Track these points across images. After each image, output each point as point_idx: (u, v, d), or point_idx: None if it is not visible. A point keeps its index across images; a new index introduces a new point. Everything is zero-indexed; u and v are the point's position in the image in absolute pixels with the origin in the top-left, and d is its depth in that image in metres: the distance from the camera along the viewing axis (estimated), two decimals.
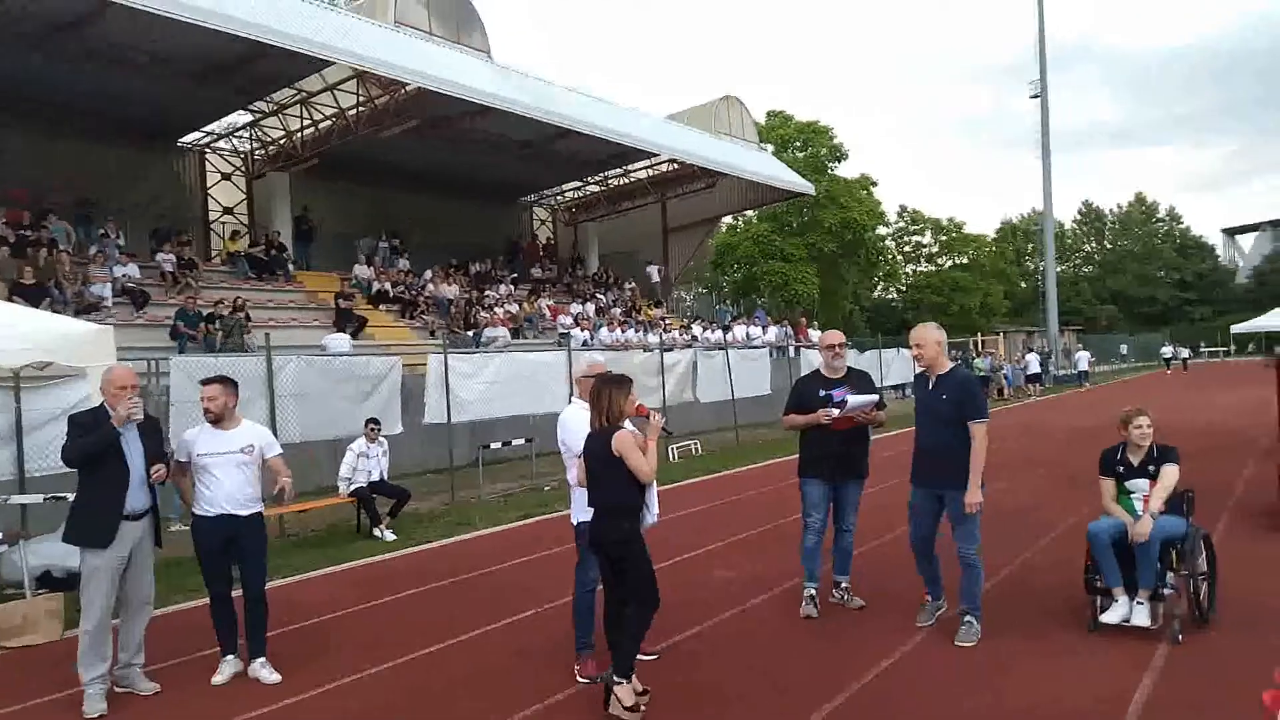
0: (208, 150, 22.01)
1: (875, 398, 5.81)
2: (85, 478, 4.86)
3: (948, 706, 4.34)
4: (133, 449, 4.89)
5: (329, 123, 19.57)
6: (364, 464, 9.81)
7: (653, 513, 4.64)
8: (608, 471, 4.45)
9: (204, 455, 5.12)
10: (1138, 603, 5.16)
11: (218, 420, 5.19)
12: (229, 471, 5.12)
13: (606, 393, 4.52)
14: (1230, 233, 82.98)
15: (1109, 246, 77.98)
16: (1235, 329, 54.03)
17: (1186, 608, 5.22)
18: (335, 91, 18.65)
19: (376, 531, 9.42)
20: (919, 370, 5.55)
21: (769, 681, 4.77)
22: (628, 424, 4.53)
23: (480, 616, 6.26)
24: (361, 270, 20.52)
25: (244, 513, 5.16)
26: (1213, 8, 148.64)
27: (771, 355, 21.85)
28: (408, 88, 17.45)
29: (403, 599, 6.96)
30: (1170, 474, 5.35)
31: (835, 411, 5.69)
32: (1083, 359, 37.56)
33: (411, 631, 5.97)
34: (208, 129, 21.08)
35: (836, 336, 6.19)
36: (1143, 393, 29.73)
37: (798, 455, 6.13)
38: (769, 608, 6.20)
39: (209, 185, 22.17)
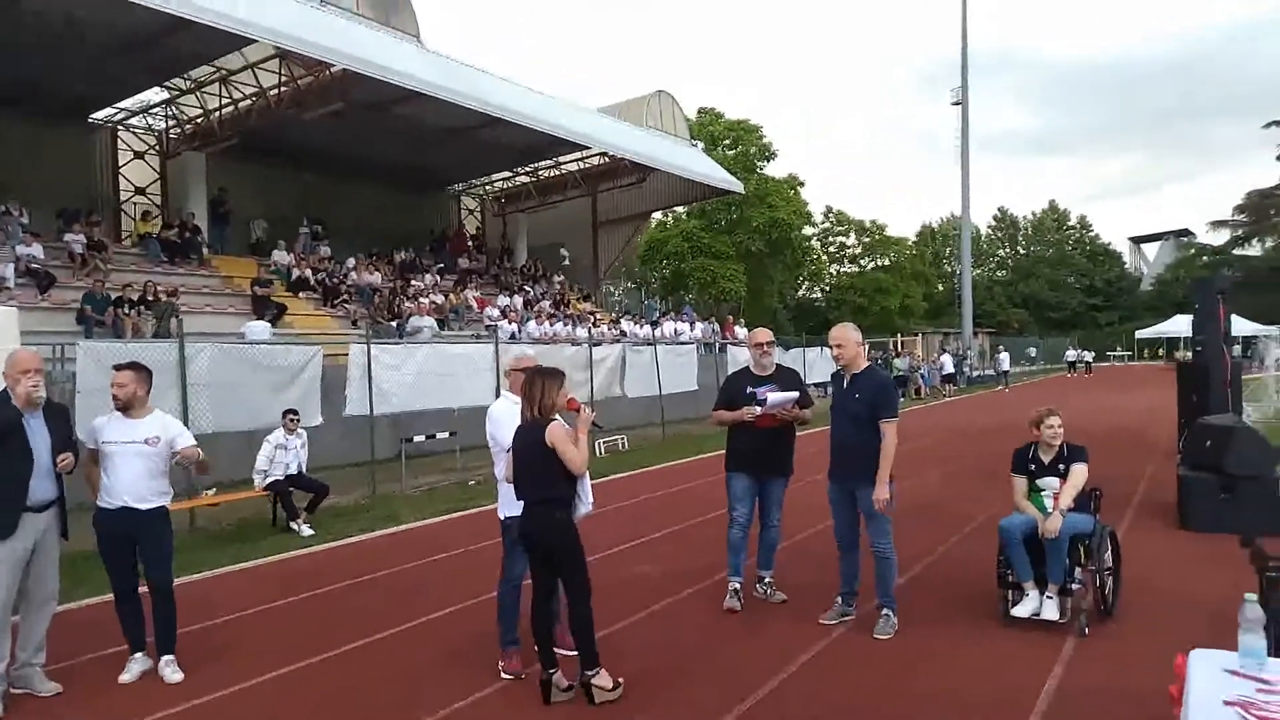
0: (120, 128, 21.06)
1: (795, 395, 5.88)
2: None
3: (865, 698, 4.43)
4: (37, 436, 4.64)
5: (249, 102, 18.91)
6: (281, 456, 9.53)
7: (586, 503, 4.62)
8: (539, 464, 4.40)
9: (108, 444, 4.90)
10: (1047, 597, 5.35)
11: (126, 408, 4.97)
12: (130, 462, 4.90)
13: (539, 384, 4.47)
14: (1136, 241, 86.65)
15: (1022, 252, 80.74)
16: (1139, 334, 56.85)
17: (1093, 601, 5.43)
18: (256, 70, 18.02)
19: (293, 526, 9.16)
20: (836, 369, 5.65)
21: (691, 676, 4.80)
22: (558, 417, 4.49)
23: (401, 613, 6.14)
24: (280, 256, 19.93)
25: (143, 506, 4.94)
26: (1120, 24, 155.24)
27: (699, 352, 22.03)
28: (332, 69, 16.97)
29: (320, 595, 6.78)
30: (1079, 472, 5.57)
31: (757, 409, 5.78)
32: (1004, 360, 38.96)
33: (329, 629, 5.82)
34: (121, 105, 20.19)
35: (765, 334, 6.27)
36: (1053, 394, 30.88)
37: (724, 450, 6.20)
38: (693, 602, 6.23)
39: (121, 164, 21.23)
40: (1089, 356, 48.75)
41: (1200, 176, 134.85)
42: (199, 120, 20.10)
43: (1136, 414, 20.44)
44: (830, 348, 5.57)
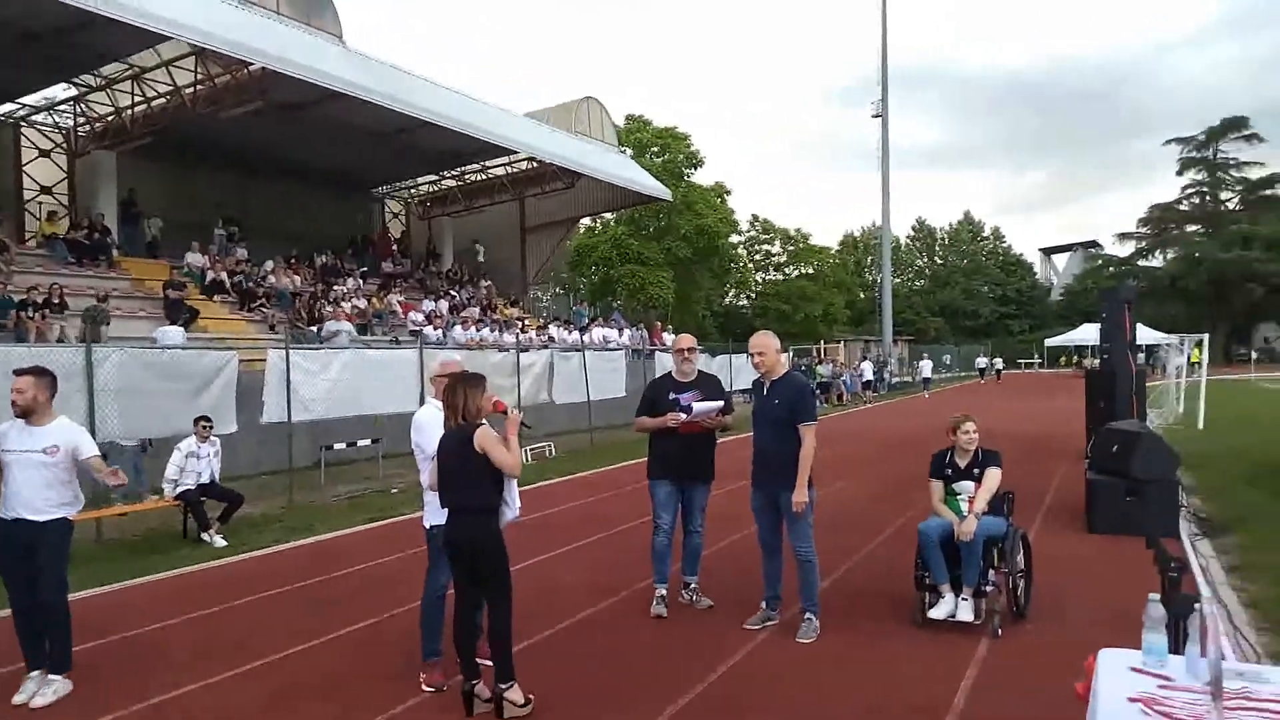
0: (24, 124, 20.07)
1: (720, 404, 5.92)
2: None
3: (790, 702, 4.47)
4: None
5: (164, 101, 18.22)
6: (193, 464, 9.16)
7: (514, 508, 4.57)
8: (464, 470, 4.32)
9: (7, 453, 4.66)
10: (962, 599, 5.49)
11: (26, 415, 4.73)
12: (27, 472, 4.67)
13: (461, 390, 4.40)
14: (1046, 252, 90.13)
15: (939, 262, 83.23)
16: (1049, 342, 58.96)
17: (1006, 603, 5.59)
18: (172, 68, 17.39)
19: (205, 536, 8.83)
20: (757, 376, 5.71)
21: (617, 684, 4.77)
22: (485, 421, 4.42)
23: (318, 626, 5.96)
24: (195, 258, 19.26)
25: (40, 518, 4.70)
26: (1030, 44, 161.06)
27: (628, 358, 22.04)
28: (251, 68, 16.49)
29: (233, 608, 6.54)
30: (993, 476, 5.74)
31: (682, 416, 5.79)
32: (926, 368, 40.27)
33: (242, 643, 5.61)
34: (24, 101, 19.25)
35: (687, 340, 6.28)
36: (969, 400, 31.85)
37: (647, 457, 6.20)
38: (619, 609, 6.21)
39: (24, 161, 20.22)
40: (999, 364, 50.31)
41: (1106, 191, 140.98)
42: (110, 118, 19.29)
43: (1046, 420, 21.19)
44: (750, 355, 5.63)
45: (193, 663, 5.23)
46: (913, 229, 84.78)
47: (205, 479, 9.23)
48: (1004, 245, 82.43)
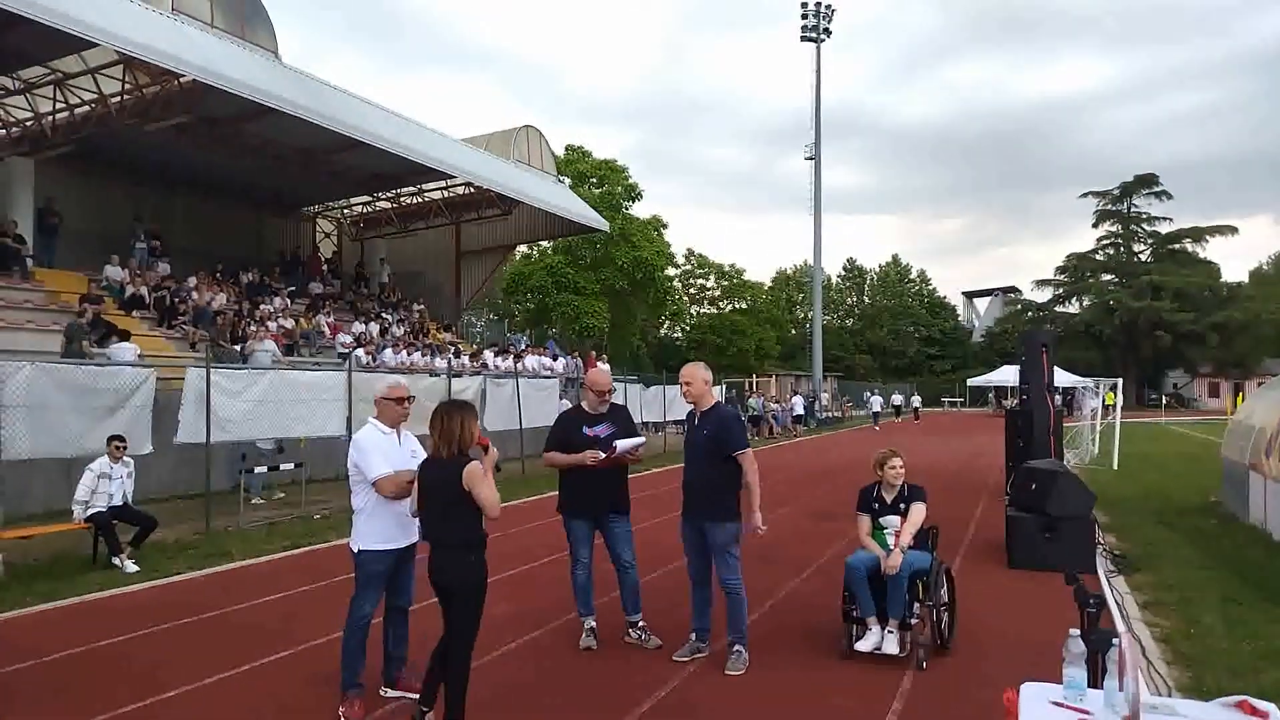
0: None
1: (643, 440, 5.91)
2: None
3: None
4: None
5: (87, 109, 17.64)
6: (105, 485, 8.77)
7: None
8: (452, 505, 4.19)
9: None
10: (888, 631, 5.56)
11: None
12: None
13: (458, 419, 4.26)
14: (969, 295, 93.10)
15: (868, 301, 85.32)
16: (970, 382, 60.66)
17: (930, 636, 5.68)
18: (98, 75, 16.87)
19: (116, 561, 8.44)
20: (689, 407, 5.72)
21: (546, 716, 4.69)
22: (474, 456, 4.29)
23: (233, 656, 5.72)
24: (114, 271, 18.58)
25: None
26: (950, 98, 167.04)
27: (561, 386, 21.93)
28: (181, 79, 16.09)
29: (144, 637, 6.25)
30: (918, 511, 5.85)
31: (600, 454, 5.67)
32: (876, 402, 41.77)
33: (153, 674, 5.36)
34: None
35: (606, 382, 6.09)
36: (898, 436, 32.52)
37: (558, 492, 6.05)
38: (548, 641, 6.12)
39: None
40: (917, 401, 50.61)
41: (1025, 239, 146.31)
42: (28, 123, 18.56)
43: (967, 457, 21.75)
44: (680, 385, 5.64)
45: (99, 694, 4.97)
46: (844, 269, 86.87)
47: (117, 501, 8.84)
48: (930, 288, 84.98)
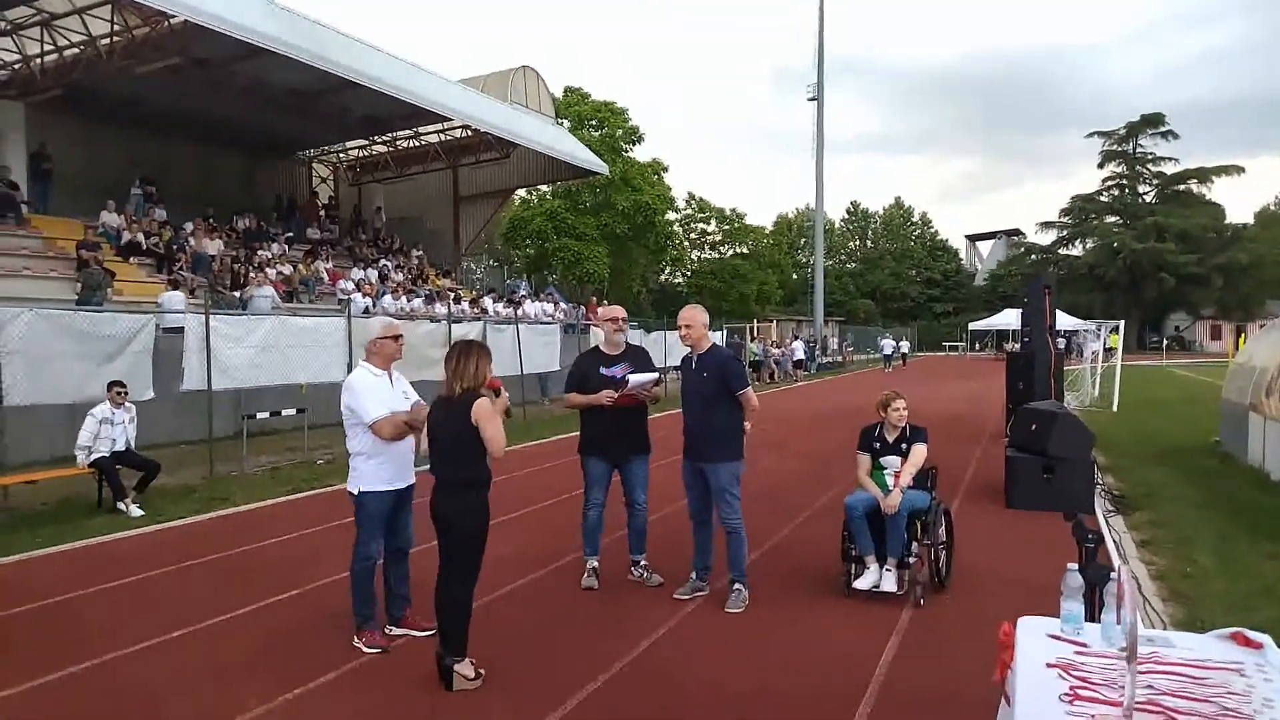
0: None
1: (655, 375, 5.90)
2: None
3: (718, 669, 4.51)
4: None
5: (77, 51, 17.31)
6: (107, 431, 8.80)
7: None
8: (460, 443, 4.21)
9: None
10: (886, 570, 5.62)
11: None
12: None
13: (472, 357, 4.26)
14: (972, 239, 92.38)
15: (871, 245, 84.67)
16: (972, 325, 60.54)
17: (928, 574, 5.74)
18: (85, 16, 16.51)
19: (120, 506, 8.51)
20: (686, 351, 5.71)
21: (548, 654, 4.76)
22: (485, 393, 4.29)
23: (241, 596, 5.80)
24: (110, 218, 18.42)
25: None
26: (956, 37, 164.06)
27: (561, 332, 21.90)
28: (172, 20, 15.75)
29: (151, 579, 6.33)
30: (919, 452, 5.86)
31: (615, 394, 5.72)
32: (887, 345, 41.97)
33: (163, 613, 5.43)
34: None
35: (619, 310, 6.21)
36: (897, 379, 32.53)
37: (579, 433, 6.13)
38: (549, 582, 6.19)
39: None
40: (905, 347, 48.85)
41: (1030, 181, 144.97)
42: (17, 66, 18.24)
43: (967, 401, 21.80)
44: (679, 328, 5.61)
45: (105, 635, 5.04)
46: (847, 212, 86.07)
47: (120, 446, 8.89)
48: (932, 231, 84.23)
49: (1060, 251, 68.58)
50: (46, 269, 15.80)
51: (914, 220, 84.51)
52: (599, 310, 6.46)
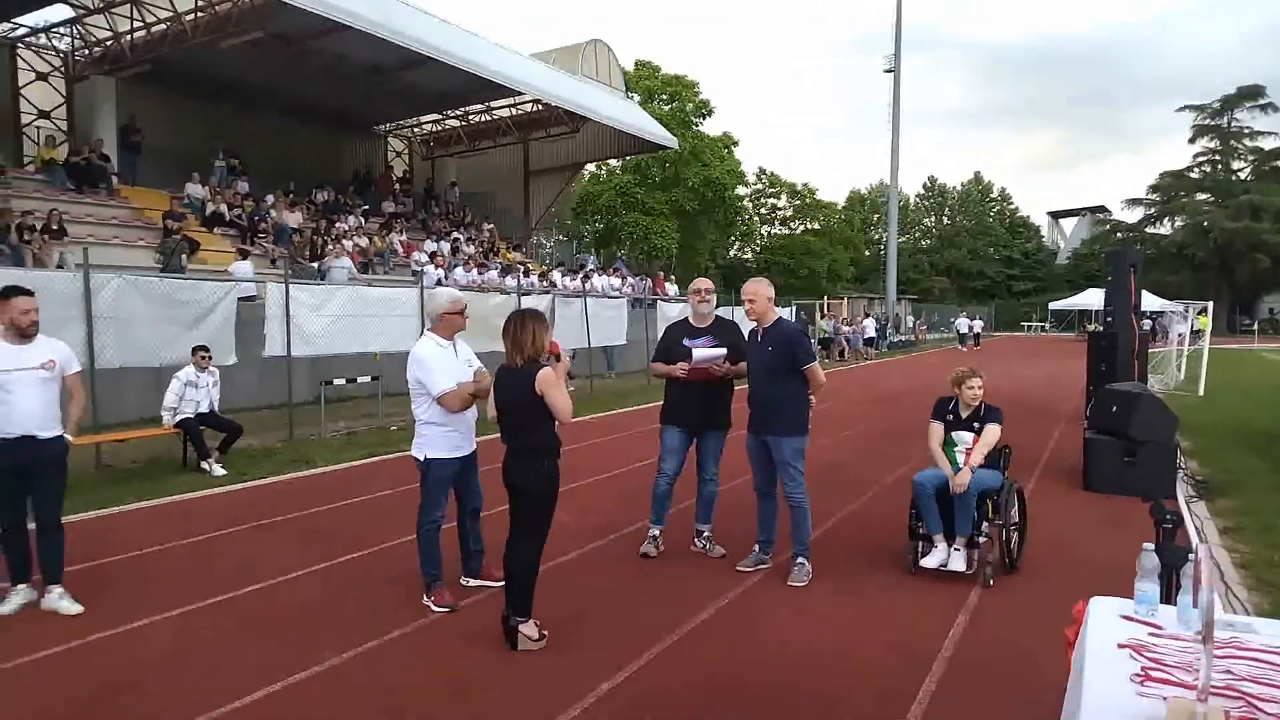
0: (19, 45, 19.70)
1: (723, 350, 5.84)
2: None
3: (777, 643, 4.50)
4: None
5: (163, 27, 17.88)
6: (191, 394, 9.18)
7: None
8: (526, 411, 4.29)
9: (2, 373, 4.63)
10: (955, 549, 5.52)
11: (28, 334, 4.74)
12: (28, 390, 4.68)
13: (530, 327, 4.32)
14: (1055, 216, 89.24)
15: (947, 222, 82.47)
16: (1052, 305, 58.67)
17: (998, 555, 5.62)
18: None
19: (204, 465, 8.87)
20: (751, 325, 5.66)
21: (608, 620, 4.81)
22: (546, 362, 4.36)
23: (317, 553, 6.02)
24: (195, 189, 19.07)
25: (45, 434, 4.74)
26: (1043, 7, 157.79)
27: (629, 306, 21.96)
28: None
29: (231, 535, 6.60)
30: (992, 431, 5.71)
31: (686, 366, 5.74)
32: (963, 324, 42.55)
33: (241, 568, 5.67)
34: (19, 21, 18.88)
35: (705, 282, 6.19)
36: (971, 359, 31.80)
37: (661, 402, 6.18)
38: (612, 550, 6.25)
39: (21, 85, 19.89)
40: (979, 327, 47.56)
41: (1116, 156, 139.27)
42: (108, 42, 18.94)
43: (1045, 382, 21.20)
44: (742, 302, 5.56)
45: (186, 586, 5.28)
46: (923, 187, 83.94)
47: (204, 408, 9.26)
48: (1011, 207, 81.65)
49: (1147, 230, 65.63)
50: (135, 238, 16.47)
51: (993, 196, 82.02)
52: (672, 289, 6.43)
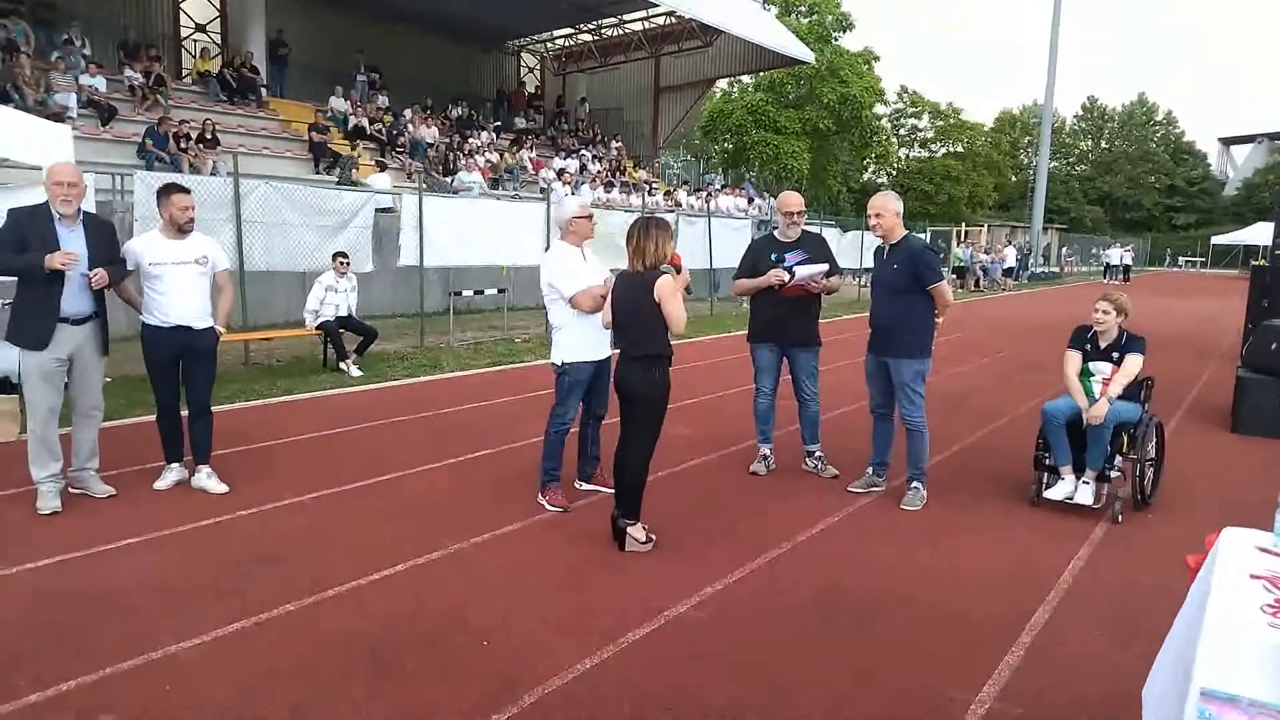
0: None
1: (825, 266, 5.68)
2: (22, 278, 4.67)
3: (882, 563, 4.46)
4: (73, 249, 4.62)
5: None
6: (331, 298, 9.67)
7: None
8: (642, 318, 4.33)
9: (157, 265, 4.99)
10: (1084, 482, 5.28)
11: (186, 230, 5.06)
12: (184, 282, 5.03)
13: (654, 234, 4.33)
14: (1226, 142, 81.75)
15: (1105, 147, 76.65)
16: (1215, 240, 54.26)
17: (1130, 490, 5.35)
18: None
19: (343, 366, 9.39)
20: (878, 242, 5.45)
21: (717, 531, 4.87)
22: (666, 270, 4.38)
23: (443, 450, 6.34)
24: (338, 103, 19.73)
25: (198, 325, 5.10)
26: None
27: (754, 229, 21.60)
28: None
29: (364, 430, 7.00)
30: (1133, 362, 5.35)
31: (785, 276, 5.59)
32: (1114, 254, 40.84)
33: (370, 459, 6.03)
34: None
35: (795, 202, 5.90)
36: (1127, 293, 29.92)
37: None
38: (725, 463, 6.29)
39: None
40: (1129, 259, 44.38)
41: None
42: None
43: (1200, 318, 19.79)
44: (868, 217, 5.36)
45: (320, 473, 5.66)
46: (1082, 108, 78.00)
47: (343, 312, 9.75)
48: (1177, 132, 74.96)
49: None
50: (283, 149, 17.23)
51: (1158, 120, 75.51)
52: (779, 196, 6.22)
